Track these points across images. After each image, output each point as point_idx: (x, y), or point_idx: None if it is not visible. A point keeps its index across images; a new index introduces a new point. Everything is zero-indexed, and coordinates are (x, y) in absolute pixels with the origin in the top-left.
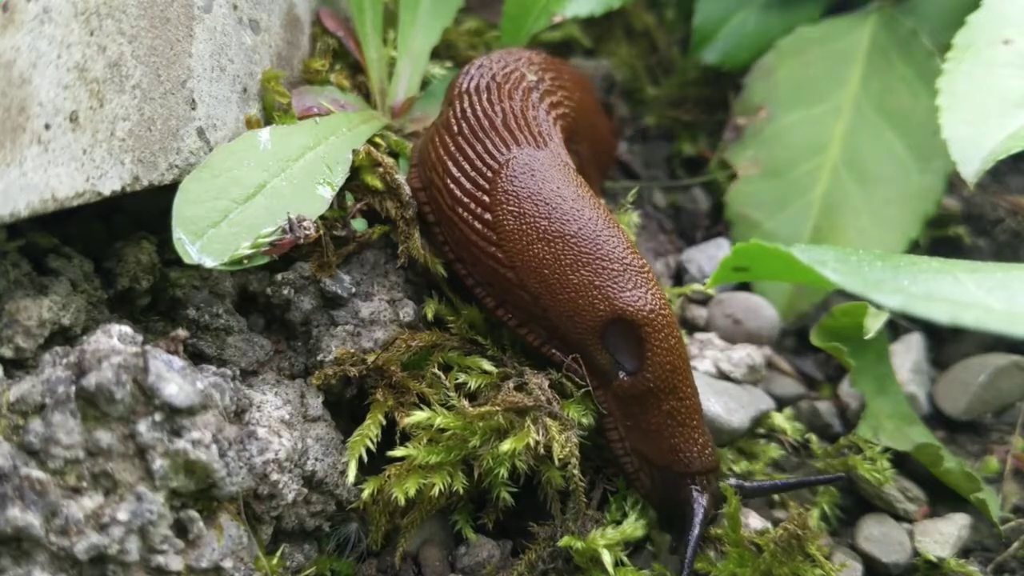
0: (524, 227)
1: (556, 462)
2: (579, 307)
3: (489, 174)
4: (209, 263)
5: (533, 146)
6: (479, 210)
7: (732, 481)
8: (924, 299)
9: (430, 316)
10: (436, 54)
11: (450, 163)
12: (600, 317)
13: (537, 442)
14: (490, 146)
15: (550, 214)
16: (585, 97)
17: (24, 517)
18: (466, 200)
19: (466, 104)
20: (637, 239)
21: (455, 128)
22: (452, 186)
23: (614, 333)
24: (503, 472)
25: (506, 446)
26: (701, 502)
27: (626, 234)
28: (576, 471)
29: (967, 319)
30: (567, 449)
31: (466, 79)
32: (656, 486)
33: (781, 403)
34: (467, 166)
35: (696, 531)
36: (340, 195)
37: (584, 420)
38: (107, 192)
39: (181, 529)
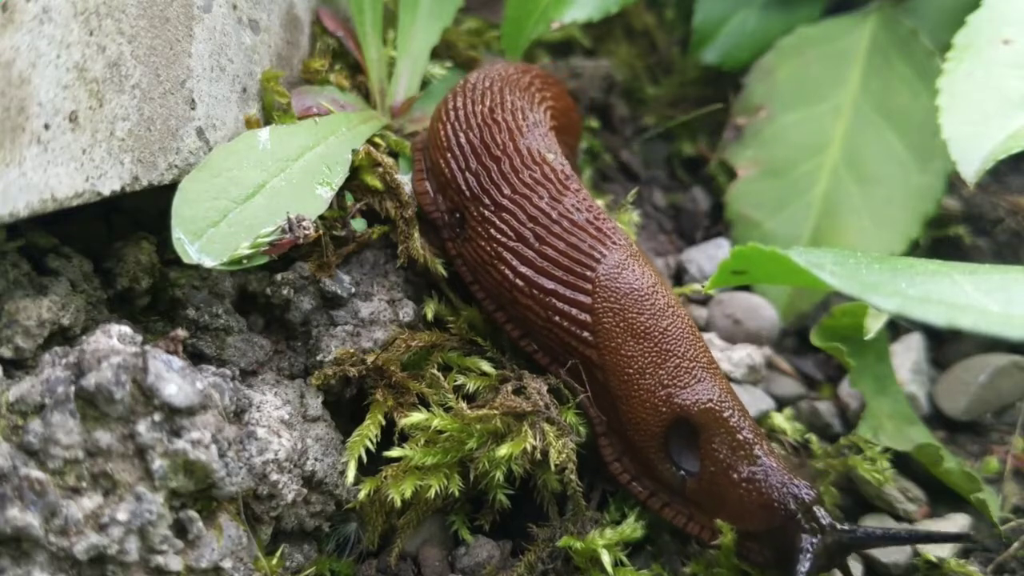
0: (622, 323)
1: (552, 468)
2: (647, 410)
3: (590, 273)
4: (208, 263)
5: (621, 241)
6: (575, 311)
7: (840, 526)
8: (921, 302)
9: (430, 316)
10: (436, 54)
11: (542, 278)
12: (663, 418)
13: (534, 447)
14: (586, 248)
15: (648, 309)
16: (560, 88)
17: (24, 517)
18: (561, 306)
19: (532, 209)
20: (637, 239)
21: (533, 241)
22: (548, 299)
23: (676, 434)
24: (499, 475)
25: (503, 450)
26: (809, 545)
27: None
28: (573, 476)
29: (964, 322)
30: (564, 455)
31: (473, 179)
32: (770, 550)
33: (781, 403)
34: (566, 276)
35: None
36: (340, 195)
37: (582, 428)
38: (107, 192)
39: (181, 529)
